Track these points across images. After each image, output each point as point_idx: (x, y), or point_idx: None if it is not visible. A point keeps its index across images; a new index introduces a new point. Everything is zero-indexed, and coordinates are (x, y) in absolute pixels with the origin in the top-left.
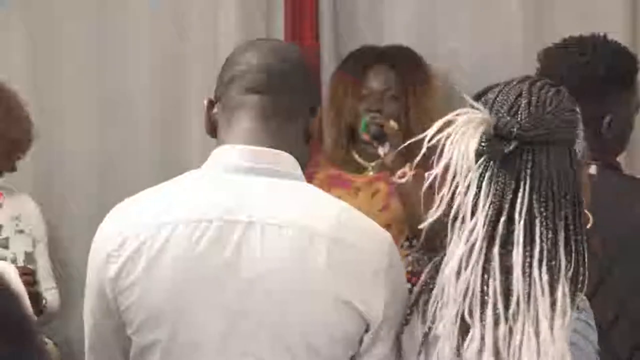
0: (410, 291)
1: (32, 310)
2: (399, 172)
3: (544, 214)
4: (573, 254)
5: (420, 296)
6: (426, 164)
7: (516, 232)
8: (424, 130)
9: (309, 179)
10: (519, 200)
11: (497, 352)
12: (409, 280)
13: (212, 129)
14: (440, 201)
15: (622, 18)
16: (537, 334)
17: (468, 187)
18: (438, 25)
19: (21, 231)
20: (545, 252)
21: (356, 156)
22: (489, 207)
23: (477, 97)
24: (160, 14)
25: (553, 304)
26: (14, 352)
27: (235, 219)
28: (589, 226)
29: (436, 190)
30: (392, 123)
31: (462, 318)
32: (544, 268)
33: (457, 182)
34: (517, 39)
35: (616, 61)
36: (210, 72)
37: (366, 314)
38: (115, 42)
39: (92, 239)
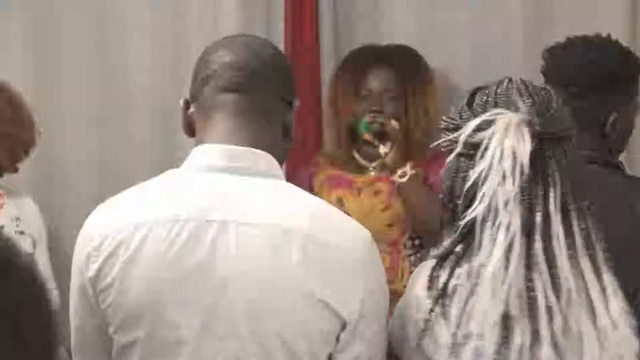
0: None
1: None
2: (400, 172)
3: (576, 206)
4: (601, 242)
5: (437, 301)
6: (425, 162)
7: (554, 226)
8: (424, 130)
9: (309, 178)
10: (551, 195)
11: (555, 345)
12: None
13: (190, 129)
14: (482, 198)
15: (622, 18)
16: (594, 321)
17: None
18: (438, 25)
19: (21, 232)
20: (584, 242)
21: (357, 156)
22: (521, 204)
23: (469, 102)
24: (160, 14)
25: (603, 290)
26: None
27: (210, 219)
28: None
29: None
30: (394, 122)
31: (506, 315)
32: (586, 257)
33: (491, 180)
34: (517, 39)
35: (622, 61)
36: None
37: (341, 312)
38: (115, 42)
39: (76, 257)
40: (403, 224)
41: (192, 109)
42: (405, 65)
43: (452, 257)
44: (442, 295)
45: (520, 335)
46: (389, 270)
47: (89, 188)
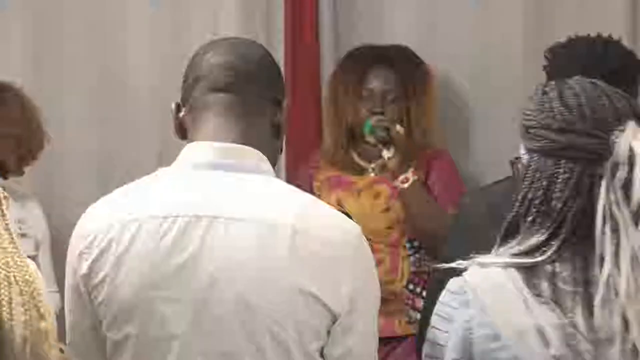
0: (412, 291)
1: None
2: (402, 177)
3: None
4: None
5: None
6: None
7: None
8: (424, 130)
9: (309, 179)
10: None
11: None
12: (411, 281)
13: (181, 132)
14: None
15: (622, 18)
16: None
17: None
18: (438, 26)
19: (24, 234)
20: None
21: (356, 157)
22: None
23: (563, 103)
24: (160, 14)
25: None
26: None
27: (200, 215)
28: None
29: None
30: (399, 127)
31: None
32: None
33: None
34: (517, 39)
35: (624, 60)
36: None
37: (331, 305)
38: (115, 42)
39: (69, 255)
40: (403, 226)
41: (182, 112)
42: (405, 66)
43: (549, 268)
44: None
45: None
46: (389, 271)
47: (89, 188)
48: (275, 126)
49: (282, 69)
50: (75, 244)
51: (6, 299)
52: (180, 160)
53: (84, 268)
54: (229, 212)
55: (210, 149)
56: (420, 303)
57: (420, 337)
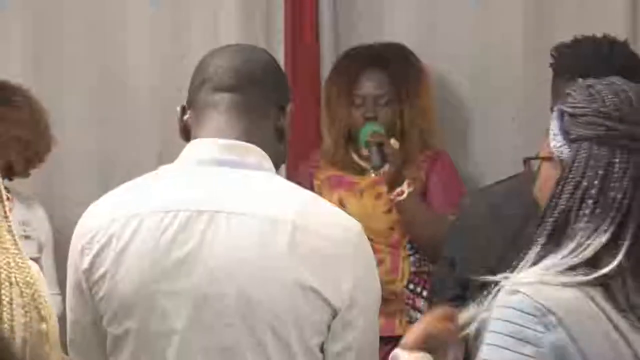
0: (412, 291)
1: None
2: (397, 190)
3: None
4: None
5: None
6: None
7: None
8: (421, 130)
9: (309, 178)
10: None
11: None
12: (411, 281)
13: (185, 134)
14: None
15: (623, 18)
16: None
17: None
18: (438, 26)
19: (27, 237)
20: None
21: (356, 158)
22: None
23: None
24: (160, 14)
25: None
26: None
27: (202, 209)
28: None
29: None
30: (393, 141)
31: None
32: None
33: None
34: (517, 39)
35: (631, 59)
36: None
37: (331, 299)
38: (115, 42)
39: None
40: (404, 225)
41: (187, 115)
42: (399, 67)
43: (619, 277)
44: None
45: None
46: (389, 271)
47: (89, 188)
48: (279, 130)
49: (282, 69)
50: (77, 241)
51: (7, 299)
52: (183, 156)
53: (85, 263)
54: (231, 207)
55: (213, 146)
56: (420, 303)
57: None
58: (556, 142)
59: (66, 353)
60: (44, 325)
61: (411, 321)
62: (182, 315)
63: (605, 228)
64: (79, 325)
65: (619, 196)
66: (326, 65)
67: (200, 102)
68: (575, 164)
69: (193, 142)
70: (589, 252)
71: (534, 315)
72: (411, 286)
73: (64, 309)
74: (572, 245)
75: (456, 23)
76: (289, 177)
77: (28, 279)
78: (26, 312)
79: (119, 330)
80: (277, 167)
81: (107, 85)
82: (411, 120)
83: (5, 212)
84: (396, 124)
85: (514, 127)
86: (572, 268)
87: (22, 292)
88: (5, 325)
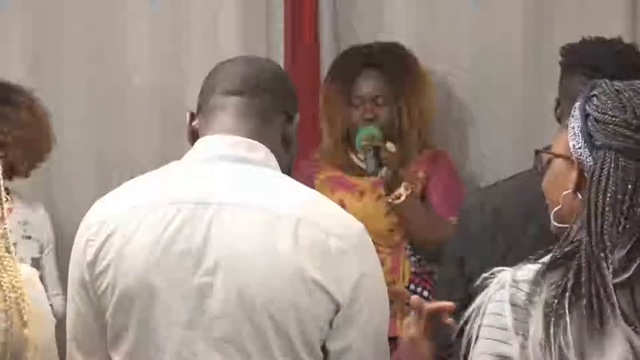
0: (414, 292)
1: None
2: (395, 194)
3: None
4: None
5: None
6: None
7: None
8: (420, 130)
9: (310, 178)
10: None
11: None
12: (412, 281)
13: (194, 140)
14: None
15: (622, 19)
16: None
17: None
18: (438, 26)
19: (29, 237)
20: None
21: (355, 159)
22: None
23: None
24: (160, 14)
25: None
26: None
27: (206, 203)
28: None
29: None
30: (389, 145)
31: None
32: None
33: None
34: (517, 39)
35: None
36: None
37: (333, 293)
38: (116, 42)
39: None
40: (404, 229)
41: (196, 121)
42: (395, 67)
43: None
44: None
45: None
46: (390, 272)
47: (89, 188)
48: (285, 138)
49: (283, 69)
50: (82, 235)
51: None
52: (190, 153)
53: (89, 256)
54: (236, 201)
55: (220, 142)
56: None
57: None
58: (576, 143)
59: (63, 354)
60: (26, 331)
61: None
62: (185, 307)
63: (627, 244)
64: (81, 321)
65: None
66: (326, 65)
67: (209, 106)
68: (604, 174)
69: (201, 140)
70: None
71: (524, 308)
72: (412, 287)
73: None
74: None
75: (456, 23)
76: (290, 176)
77: (15, 282)
78: (8, 317)
79: (121, 323)
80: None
81: (107, 85)
82: (410, 120)
83: (2, 215)
84: (395, 125)
85: (514, 127)
86: None
87: (5, 296)
88: None
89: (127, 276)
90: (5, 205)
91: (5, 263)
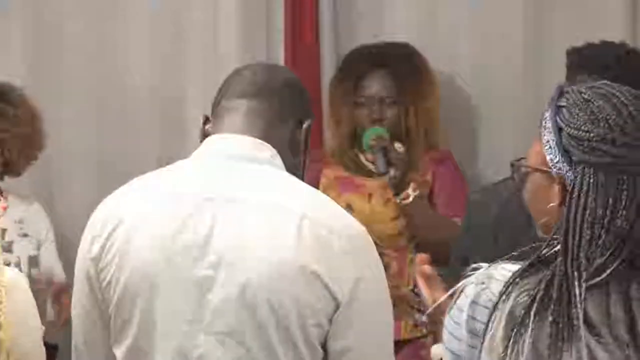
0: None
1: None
2: (403, 194)
3: None
4: None
5: None
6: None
7: None
8: (426, 131)
9: (317, 174)
10: None
11: None
12: (416, 284)
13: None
14: None
15: (622, 19)
16: None
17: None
18: (438, 26)
19: (25, 235)
20: None
21: (363, 160)
22: None
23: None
24: (160, 14)
25: None
26: None
27: (210, 197)
28: None
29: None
30: (398, 145)
31: None
32: None
33: None
34: (517, 39)
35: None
36: (210, 72)
37: (333, 288)
38: (116, 42)
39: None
40: (411, 229)
41: (209, 125)
42: (403, 67)
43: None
44: None
45: None
46: (395, 275)
47: (89, 188)
48: (294, 143)
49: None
50: (87, 233)
51: None
52: (197, 151)
53: (94, 251)
54: (241, 196)
55: (227, 140)
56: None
57: None
58: (553, 157)
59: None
60: (0, 334)
61: (416, 324)
62: (187, 299)
63: (605, 252)
64: (88, 321)
65: (625, 224)
66: (326, 65)
67: (220, 108)
68: (583, 190)
69: (210, 138)
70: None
71: (487, 308)
72: (416, 290)
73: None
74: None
75: (456, 23)
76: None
77: None
78: None
79: (124, 316)
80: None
81: (107, 86)
82: (417, 120)
83: None
84: (401, 124)
85: (514, 127)
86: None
87: None
88: None
89: (130, 269)
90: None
91: None
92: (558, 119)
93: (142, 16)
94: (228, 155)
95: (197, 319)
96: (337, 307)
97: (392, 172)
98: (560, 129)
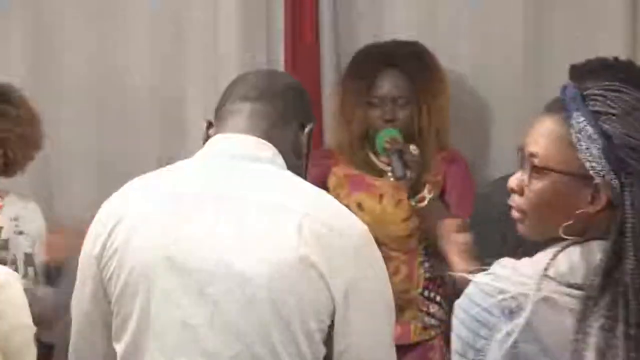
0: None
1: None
2: (418, 197)
3: None
4: None
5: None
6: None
7: None
8: (438, 129)
9: (325, 171)
10: None
11: None
12: (425, 287)
13: None
14: None
15: (622, 19)
16: None
17: None
18: (438, 26)
19: (20, 232)
20: None
21: (374, 159)
22: None
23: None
24: (160, 14)
25: None
26: None
27: (212, 194)
28: None
29: None
30: (412, 147)
31: None
32: None
33: None
34: (517, 39)
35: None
36: (210, 71)
37: (333, 287)
38: (116, 42)
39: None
40: (421, 233)
41: (212, 129)
42: (415, 67)
43: None
44: None
45: None
46: (405, 279)
47: (89, 188)
48: (297, 146)
49: (282, 69)
50: (91, 230)
51: None
52: (202, 150)
53: (97, 248)
54: (242, 195)
55: (230, 140)
56: (434, 309)
57: None
58: (596, 165)
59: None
60: None
61: (426, 327)
62: (187, 294)
63: None
64: (87, 320)
65: None
66: (326, 65)
67: (223, 111)
68: (637, 203)
69: (213, 138)
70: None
71: (492, 296)
72: (425, 293)
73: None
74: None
75: (456, 23)
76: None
77: None
78: None
79: (125, 310)
80: None
81: (107, 85)
82: (429, 119)
83: None
84: (414, 125)
85: (514, 127)
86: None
87: None
88: None
89: (130, 266)
90: None
91: None
92: (606, 126)
93: (142, 16)
94: (230, 155)
95: (197, 312)
96: (338, 305)
97: (408, 174)
98: (608, 137)
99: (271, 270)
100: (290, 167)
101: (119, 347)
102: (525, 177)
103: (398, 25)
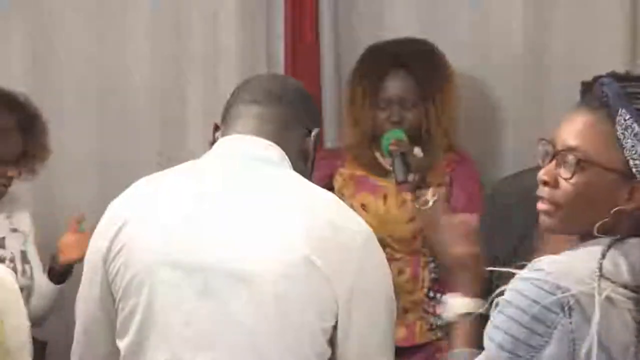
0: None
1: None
2: (422, 200)
3: None
4: None
5: None
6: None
7: None
8: (446, 130)
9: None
10: None
11: None
12: (431, 288)
13: None
14: None
15: (622, 19)
16: None
17: None
18: (438, 25)
19: (15, 229)
20: None
21: (380, 159)
22: None
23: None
24: (160, 14)
25: None
26: None
27: (217, 192)
28: None
29: None
30: (417, 150)
31: None
32: None
33: None
34: (517, 39)
35: None
36: (210, 71)
37: (336, 286)
38: (116, 42)
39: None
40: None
41: (218, 132)
42: (424, 68)
43: None
44: None
45: None
46: (410, 280)
47: (89, 188)
48: (303, 151)
49: (282, 69)
50: (98, 230)
51: None
52: (210, 152)
53: (104, 246)
54: (246, 192)
55: (237, 142)
56: (439, 310)
57: None
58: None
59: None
60: None
61: (431, 328)
62: (191, 289)
63: None
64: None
65: None
66: (326, 65)
67: (231, 114)
68: None
69: (219, 140)
70: None
71: (551, 293)
72: (430, 294)
73: (61, 303)
74: None
75: (456, 23)
76: None
77: None
78: None
79: (129, 307)
80: None
81: (106, 86)
82: (437, 121)
83: None
84: (422, 126)
85: (513, 127)
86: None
87: None
88: None
89: (135, 265)
90: None
91: None
92: None
93: (142, 16)
94: (237, 156)
95: (201, 308)
96: (341, 305)
97: (410, 178)
98: None
99: (276, 269)
100: (296, 170)
101: (123, 344)
102: (561, 170)
103: (398, 26)
